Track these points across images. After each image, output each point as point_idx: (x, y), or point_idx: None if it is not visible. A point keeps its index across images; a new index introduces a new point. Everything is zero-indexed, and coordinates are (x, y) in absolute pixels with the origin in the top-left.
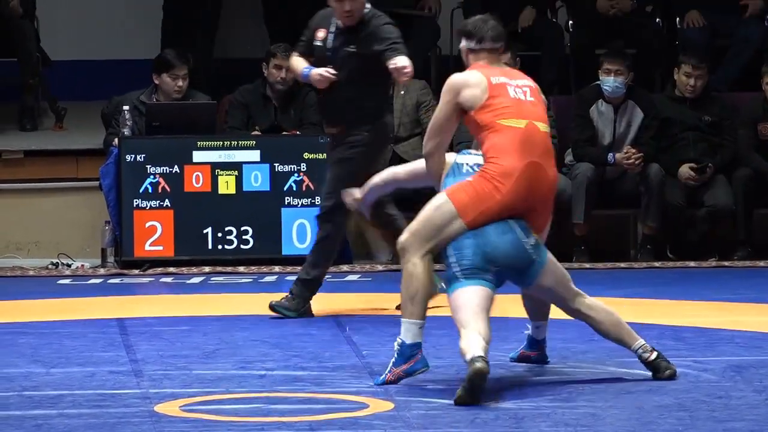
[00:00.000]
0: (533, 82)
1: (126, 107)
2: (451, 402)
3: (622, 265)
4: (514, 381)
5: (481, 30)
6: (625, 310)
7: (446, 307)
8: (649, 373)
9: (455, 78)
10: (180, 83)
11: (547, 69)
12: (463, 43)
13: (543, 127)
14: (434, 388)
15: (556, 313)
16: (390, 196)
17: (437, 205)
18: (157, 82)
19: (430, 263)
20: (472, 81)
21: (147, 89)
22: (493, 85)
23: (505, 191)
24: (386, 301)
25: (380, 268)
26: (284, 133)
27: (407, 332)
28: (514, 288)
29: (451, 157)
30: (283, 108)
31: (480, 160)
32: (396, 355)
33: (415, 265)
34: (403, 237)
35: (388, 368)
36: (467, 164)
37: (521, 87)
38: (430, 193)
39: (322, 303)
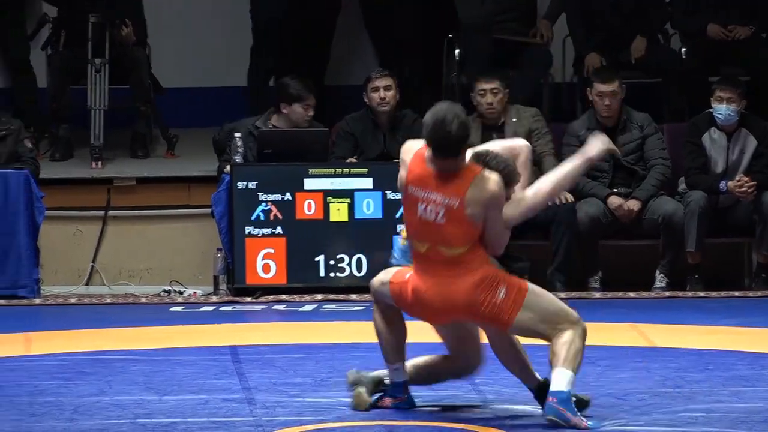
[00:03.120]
0: (462, 192)
1: (238, 134)
2: None
3: (737, 293)
4: (626, 408)
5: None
6: (740, 339)
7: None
8: (763, 405)
9: (408, 145)
10: (311, 113)
11: (668, 95)
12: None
13: (448, 251)
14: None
15: (669, 342)
16: None
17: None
18: (285, 111)
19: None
20: (403, 168)
21: (263, 116)
22: (407, 193)
23: (409, 303)
24: None
25: None
26: (395, 160)
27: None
28: None
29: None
30: (391, 134)
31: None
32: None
33: None
34: None
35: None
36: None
37: (437, 204)
38: None
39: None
